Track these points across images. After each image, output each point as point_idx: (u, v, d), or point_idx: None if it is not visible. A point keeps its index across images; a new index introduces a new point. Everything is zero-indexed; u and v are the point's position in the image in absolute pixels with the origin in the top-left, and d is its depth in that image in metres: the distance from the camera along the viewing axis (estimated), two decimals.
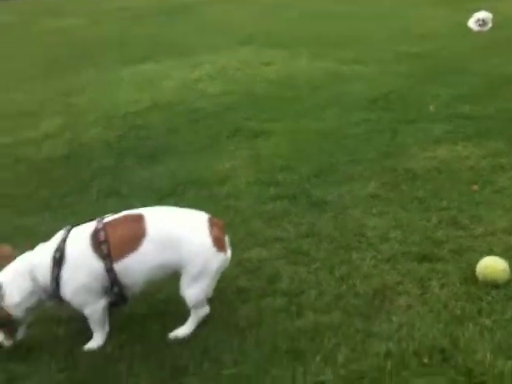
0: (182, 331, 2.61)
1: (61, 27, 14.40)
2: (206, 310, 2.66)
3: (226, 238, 2.64)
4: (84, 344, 2.62)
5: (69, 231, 2.56)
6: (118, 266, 2.46)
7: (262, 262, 3.21)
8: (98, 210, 4.03)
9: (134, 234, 2.47)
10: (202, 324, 2.65)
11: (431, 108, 5.65)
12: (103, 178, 4.74)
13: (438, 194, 3.88)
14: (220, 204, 3.96)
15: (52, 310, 2.84)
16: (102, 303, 2.55)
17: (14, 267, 2.54)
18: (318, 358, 2.39)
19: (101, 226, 2.50)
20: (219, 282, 2.92)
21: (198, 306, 2.61)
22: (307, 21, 11.94)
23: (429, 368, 2.33)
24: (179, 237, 2.49)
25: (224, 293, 2.91)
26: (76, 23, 14.93)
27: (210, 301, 2.82)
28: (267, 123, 5.70)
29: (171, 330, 2.64)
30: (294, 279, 3.02)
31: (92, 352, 2.54)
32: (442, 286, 2.87)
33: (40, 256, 2.52)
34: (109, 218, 2.57)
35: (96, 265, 2.45)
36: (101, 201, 4.32)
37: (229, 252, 2.65)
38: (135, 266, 2.47)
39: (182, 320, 2.68)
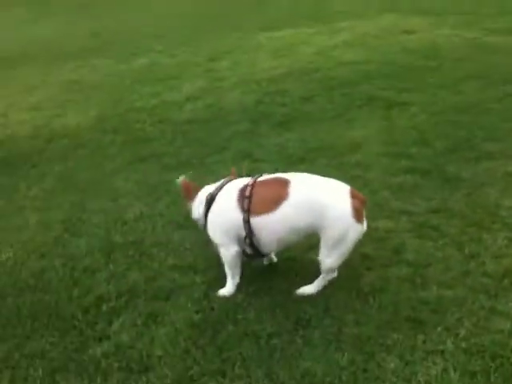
0: (309, 289, 2.78)
1: None
2: (334, 274, 2.82)
3: (364, 212, 2.71)
4: (218, 291, 2.90)
5: (229, 181, 2.88)
6: (255, 221, 2.69)
7: (388, 233, 3.26)
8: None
9: (277, 196, 2.66)
10: (327, 285, 2.80)
11: None
12: (239, 141, 5.00)
13: None
14: (349, 173, 4.03)
15: (190, 259, 3.17)
16: (235, 249, 2.80)
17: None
18: (439, 329, 2.44)
19: (251, 182, 2.76)
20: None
21: (329, 271, 2.77)
22: None
23: None
24: (323, 203, 2.63)
25: (349, 258, 3.01)
26: None
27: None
28: (403, 94, 5.60)
29: (296, 287, 2.81)
30: (420, 252, 3.04)
31: (225, 299, 2.81)
32: None
33: (204, 193, 2.89)
34: (263, 176, 2.81)
35: (235, 215, 2.72)
36: (236, 163, 4.58)
37: (365, 225, 2.73)
38: (270, 225, 2.68)
39: (306, 278, 2.85)
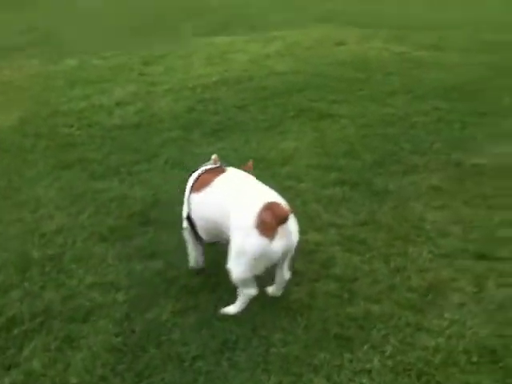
0: (232, 309, 2.69)
1: None
2: (252, 291, 2.65)
3: (283, 228, 2.48)
4: (141, 311, 2.75)
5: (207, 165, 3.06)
6: (192, 200, 2.89)
7: (317, 246, 3.26)
8: (164, 180, 4.23)
9: (206, 181, 2.86)
10: (255, 302, 2.74)
11: (506, 101, 5.43)
12: (170, 149, 4.87)
13: (503, 193, 3.78)
14: (281, 184, 3.99)
15: (112, 276, 3.03)
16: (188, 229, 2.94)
17: None
18: (366, 347, 2.44)
19: (207, 168, 3.00)
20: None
21: (240, 284, 2.64)
22: (389, 1, 11.60)
23: (477, 367, 2.34)
24: (229, 207, 2.61)
25: None
26: None
27: (264, 281, 2.92)
28: (334, 105, 5.67)
29: (224, 304, 2.75)
30: (347, 266, 3.05)
31: (147, 319, 2.68)
32: (498, 287, 2.83)
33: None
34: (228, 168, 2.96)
35: (187, 194, 2.96)
36: (167, 171, 4.46)
37: (278, 242, 2.48)
38: (196, 205, 2.88)
39: (235, 295, 2.79)
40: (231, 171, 2.93)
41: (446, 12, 10.22)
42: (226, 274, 2.96)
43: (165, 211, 3.70)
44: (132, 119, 5.65)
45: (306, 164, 4.40)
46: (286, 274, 2.76)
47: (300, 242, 3.23)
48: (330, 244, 3.29)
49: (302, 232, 3.31)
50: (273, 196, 2.62)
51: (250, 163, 3.10)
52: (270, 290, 2.79)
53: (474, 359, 2.35)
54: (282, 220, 2.47)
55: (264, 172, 4.26)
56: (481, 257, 3.09)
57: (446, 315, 2.62)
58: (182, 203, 3.81)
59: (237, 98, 6.07)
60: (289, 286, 2.88)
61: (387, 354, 2.40)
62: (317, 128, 5.15)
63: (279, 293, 2.78)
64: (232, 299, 2.75)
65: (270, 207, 2.49)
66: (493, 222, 3.45)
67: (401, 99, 5.78)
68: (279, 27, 9.46)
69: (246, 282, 2.63)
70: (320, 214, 3.64)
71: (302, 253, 3.19)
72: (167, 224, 3.52)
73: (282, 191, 3.77)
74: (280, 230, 2.48)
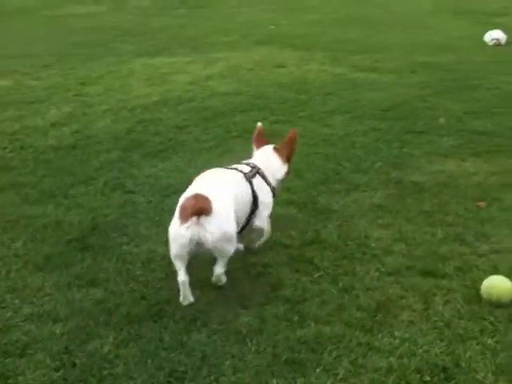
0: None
1: (83, 13, 14.39)
2: (180, 277, 2.75)
3: (198, 220, 2.61)
4: (81, 342, 2.58)
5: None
6: None
7: (266, 268, 3.19)
8: (103, 203, 4.06)
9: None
10: (203, 329, 2.64)
11: (441, 120, 5.63)
12: (109, 171, 4.70)
13: (444, 209, 3.87)
14: None
15: (50, 306, 2.84)
16: None
17: None
18: (318, 370, 2.38)
19: None
20: (221, 287, 2.94)
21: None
22: (327, 25, 11.89)
23: None
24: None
25: (226, 297, 2.90)
26: (98, 10, 14.92)
27: (213, 304, 2.82)
28: (276, 125, 5.68)
29: (169, 333, 2.62)
30: (296, 287, 3.00)
31: (88, 351, 2.52)
32: (446, 303, 2.85)
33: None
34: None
35: None
36: (106, 194, 4.29)
37: (188, 229, 2.60)
38: None
39: (180, 322, 2.69)
40: (218, 169, 3.11)
41: (379, 36, 10.58)
42: (169, 301, 2.85)
43: (104, 236, 3.55)
44: (68, 141, 5.44)
45: None
46: (217, 268, 2.85)
47: (248, 265, 3.23)
48: (279, 265, 3.23)
49: (249, 254, 3.33)
50: (209, 191, 2.74)
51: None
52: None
53: (427, 378, 2.33)
54: (198, 211, 2.61)
55: None
56: (427, 273, 3.12)
57: (397, 334, 2.60)
58: (122, 226, 3.69)
59: (178, 119, 5.99)
60: (237, 310, 2.81)
61: (340, 376, 2.35)
62: None
63: (216, 282, 2.89)
64: (178, 327, 2.63)
65: (195, 198, 2.67)
66: (436, 239, 3.51)
67: (340, 119, 5.88)
68: (220, 49, 9.48)
69: (176, 266, 2.75)
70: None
71: (250, 275, 3.14)
72: (107, 249, 3.37)
73: None
74: (195, 219, 2.60)
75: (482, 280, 2.93)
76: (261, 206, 3.09)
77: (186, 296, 2.79)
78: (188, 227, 2.60)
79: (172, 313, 2.76)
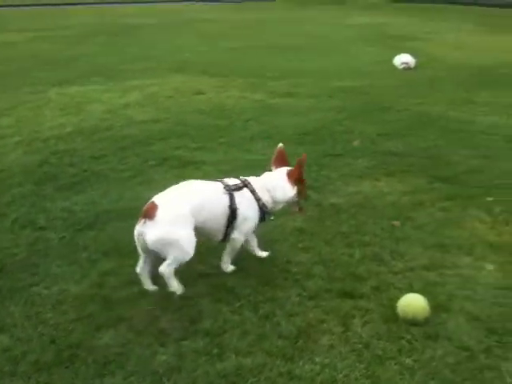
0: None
1: (1, 42, 13.83)
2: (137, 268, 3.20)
3: (144, 222, 2.99)
4: None
5: None
6: None
7: (184, 301, 3.10)
8: (11, 241, 3.83)
9: None
10: (118, 371, 2.51)
11: (355, 143, 5.80)
12: (19, 206, 4.45)
13: (361, 230, 3.94)
14: None
15: None
16: None
17: None
18: None
19: None
20: (138, 323, 2.82)
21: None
22: (245, 52, 12.08)
23: None
24: None
25: (142, 335, 2.78)
26: (17, 39, 14.40)
27: (128, 344, 2.69)
28: (196, 152, 5.65)
29: (81, 380, 2.47)
30: (217, 318, 2.93)
31: None
32: (364, 324, 2.88)
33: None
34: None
35: None
36: (15, 231, 4.05)
37: (136, 228, 3.04)
38: None
39: (92, 367, 2.53)
40: (194, 181, 3.40)
41: (297, 62, 10.87)
42: (80, 344, 2.70)
43: (12, 277, 3.33)
44: None
45: None
46: (160, 266, 3.07)
47: (165, 298, 3.12)
48: (199, 296, 3.15)
49: (167, 287, 3.22)
50: (163, 200, 3.08)
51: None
52: None
53: None
54: (144, 215, 3.01)
55: (125, 224, 4.04)
56: (345, 295, 3.14)
57: (317, 359, 2.59)
58: (32, 266, 3.48)
59: (94, 149, 5.80)
60: (154, 347, 2.69)
61: None
62: (180, 176, 5.02)
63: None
64: (91, 372, 2.48)
65: (150, 203, 3.06)
66: (354, 259, 3.56)
67: (260, 145, 5.91)
68: (138, 77, 9.36)
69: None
70: (187, 265, 3.49)
71: (169, 310, 3.03)
72: (14, 292, 3.16)
73: None
74: (142, 221, 3.01)
75: (398, 298, 2.99)
76: (240, 219, 3.22)
77: (146, 285, 3.17)
78: (137, 226, 3.03)
79: (84, 357, 2.60)
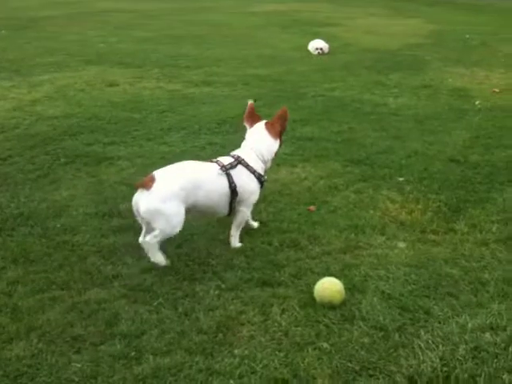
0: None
1: None
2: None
3: (140, 190, 3.24)
4: None
5: None
6: None
7: (100, 304, 2.98)
8: None
9: None
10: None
11: None
12: None
13: (279, 217, 3.97)
14: (54, 240, 3.64)
15: None
16: None
17: None
18: None
19: None
20: (51, 331, 2.71)
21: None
22: (158, 42, 11.77)
23: None
24: None
25: (55, 344, 2.65)
26: None
27: (41, 354, 2.57)
28: (110, 147, 5.46)
29: None
30: (134, 320, 2.84)
31: None
32: (283, 312, 2.89)
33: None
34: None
35: None
36: None
37: (136, 194, 3.27)
38: None
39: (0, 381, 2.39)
40: (191, 161, 3.48)
41: (212, 51, 10.75)
42: None
43: None
44: None
45: (83, 213, 4.10)
46: (146, 237, 3.29)
47: (79, 303, 3.00)
48: (115, 298, 3.05)
49: (80, 291, 3.10)
50: (161, 175, 3.25)
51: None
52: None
53: None
54: (141, 185, 3.24)
55: (34, 228, 3.85)
56: (264, 284, 3.15)
57: (237, 352, 2.57)
58: None
59: (0, 149, 5.47)
60: (68, 355, 2.58)
61: None
62: (93, 173, 4.87)
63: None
64: None
65: (149, 175, 3.26)
66: (272, 247, 3.57)
67: (177, 136, 5.81)
68: (47, 70, 8.90)
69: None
70: (101, 266, 3.37)
71: (83, 314, 2.91)
72: None
73: (54, 248, 3.54)
74: (139, 190, 3.24)
75: (316, 283, 3.03)
76: (242, 194, 3.41)
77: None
78: (135, 195, 3.27)
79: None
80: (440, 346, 2.62)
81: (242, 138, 5.70)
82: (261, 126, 3.56)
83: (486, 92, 7.35)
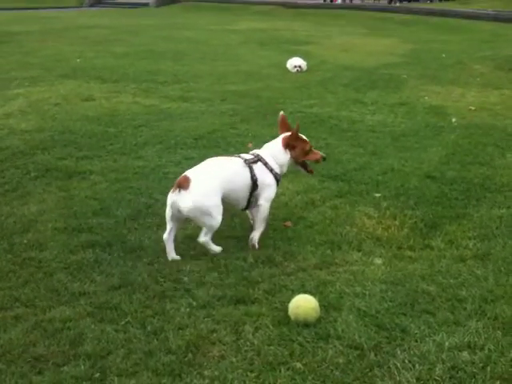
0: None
1: None
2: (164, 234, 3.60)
3: (177, 191, 3.43)
4: None
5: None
6: None
7: (64, 323, 2.85)
8: None
9: None
10: None
11: (249, 146, 5.77)
12: None
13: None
14: (20, 256, 3.51)
15: None
16: None
17: None
18: None
19: None
20: (11, 350, 2.57)
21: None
22: (136, 57, 11.74)
23: None
24: None
25: (16, 364, 2.51)
26: None
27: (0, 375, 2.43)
28: (82, 162, 5.34)
29: None
30: (100, 340, 2.72)
31: None
32: (256, 330, 2.80)
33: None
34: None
35: None
36: None
37: (169, 197, 3.49)
38: None
39: None
40: (219, 157, 3.86)
41: (190, 67, 10.73)
42: None
43: None
44: None
45: (51, 228, 3.96)
46: (200, 237, 3.56)
47: (43, 321, 2.86)
48: (80, 317, 2.92)
49: (45, 309, 2.97)
50: (194, 173, 3.51)
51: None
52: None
53: None
54: (178, 186, 3.45)
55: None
56: (237, 302, 3.05)
57: (206, 373, 2.47)
58: None
59: None
60: (30, 377, 2.46)
61: None
62: (64, 188, 4.74)
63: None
64: None
65: (182, 176, 3.50)
66: (247, 263, 3.47)
67: (152, 151, 5.72)
68: (21, 84, 8.77)
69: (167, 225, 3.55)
70: (68, 283, 3.24)
71: (47, 333, 2.78)
72: None
73: (19, 264, 3.40)
74: (177, 191, 3.44)
75: (290, 300, 2.94)
76: (262, 187, 3.67)
77: (169, 252, 3.54)
78: (171, 196, 3.45)
79: None
80: (417, 366, 2.54)
81: (219, 153, 5.69)
82: (282, 136, 3.86)
83: (462, 110, 7.41)
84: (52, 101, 7.78)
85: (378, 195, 4.48)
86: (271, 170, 3.72)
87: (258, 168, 3.69)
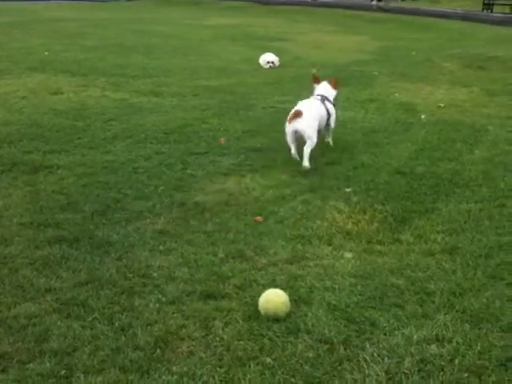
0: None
1: None
2: (291, 150, 5.05)
3: (293, 120, 4.92)
4: None
5: None
6: None
7: (30, 320, 2.78)
8: None
9: None
10: None
11: (221, 141, 5.74)
12: None
13: (225, 227, 3.85)
14: None
15: None
16: None
17: None
18: None
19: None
20: None
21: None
22: (106, 51, 11.55)
23: None
24: None
25: None
26: None
27: None
28: (49, 156, 5.22)
29: None
30: (66, 336, 2.66)
31: None
32: (226, 325, 2.77)
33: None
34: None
35: None
36: None
37: (288, 127, 4.96)
38: None
39: None
40: (308, 99, 5.45)
41: (161, 61, 10.62)
42: None
43: None
44: None
45: (17, 223, 3.87)
46: (303, 162, 4.91)
47: (8, 318, 2.79)
48: (46, 313, 2.85)
49: (10, 305, 2.89)
50: (301, 107, 5.06)
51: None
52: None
53: None
54: (295, 115, 4.94)
55: None
56: (208, 297, 3.02)
57: (175, 369, 2.43)
58: None
59: None
60: None
61: None
62: (30, 182, 4.63)
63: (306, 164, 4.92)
64: None
65: (295, 110, 5.00)
66: (217, 258, 3.45)
67: (122, 145, 5.63)
68: None
69: (290, 146, 5.03)
70: (33, 279, 3.16)
71: (12, 330, 2.71)
72: None
73: None
74: (294, 120, 4.91)
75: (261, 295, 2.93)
76: (332, 116, 5.46)
77: (297, 158, 5.00)
78: (290, 125, 4.92)
79: None
80: (385, 359, 2.56)
81: (190, 148, 5.65)
82: (325, 82, 5.61)
83: (432, 106, 7.50)
84: (19, 94, 7.61)
85: (348, 190, 4.50)
86: (334, 105, 5.51)
87: (327, 103, 5.39)
